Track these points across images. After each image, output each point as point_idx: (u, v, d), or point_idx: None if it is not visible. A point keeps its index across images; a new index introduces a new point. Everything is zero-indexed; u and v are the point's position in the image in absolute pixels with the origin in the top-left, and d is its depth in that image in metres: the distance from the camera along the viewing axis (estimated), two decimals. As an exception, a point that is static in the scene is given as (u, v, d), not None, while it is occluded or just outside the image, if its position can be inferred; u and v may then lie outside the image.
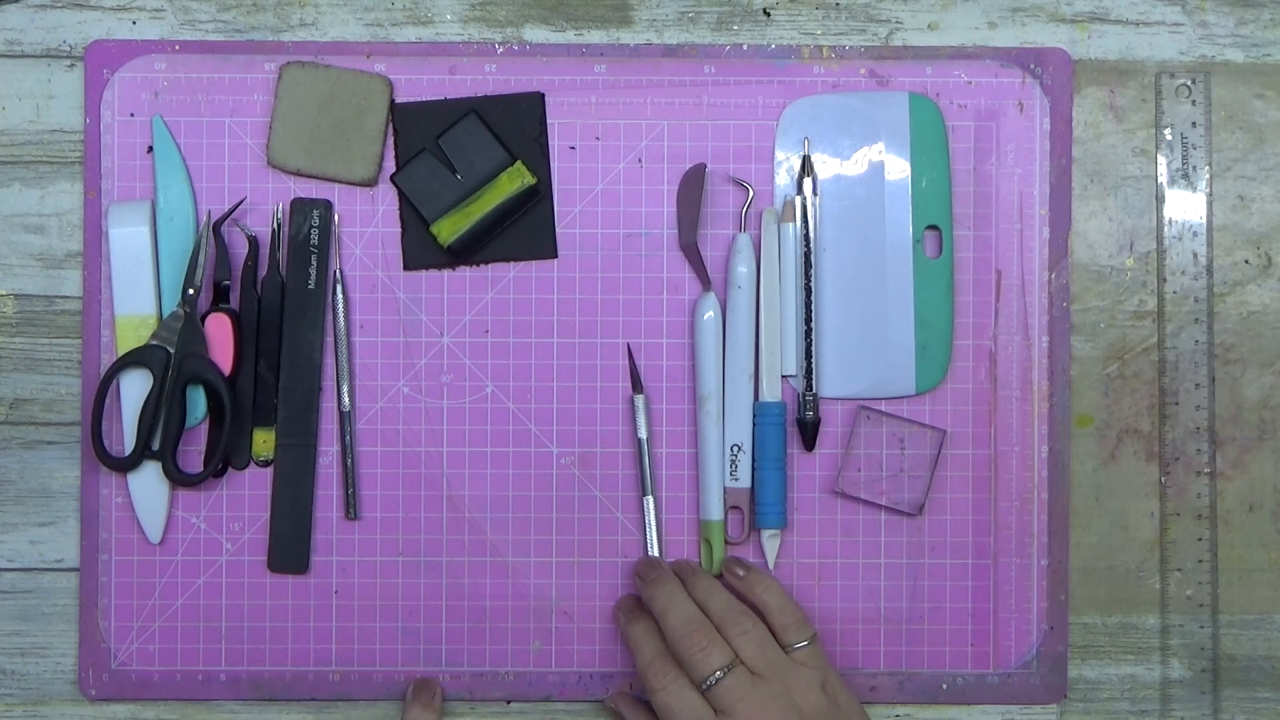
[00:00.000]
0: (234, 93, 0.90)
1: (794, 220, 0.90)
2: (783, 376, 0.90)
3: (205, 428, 0.90)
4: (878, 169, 0.91)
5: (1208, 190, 0.92)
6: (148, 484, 0.89)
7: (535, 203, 0.90)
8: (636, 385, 0.90)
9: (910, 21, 0.92)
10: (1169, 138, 0.92)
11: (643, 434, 0.90)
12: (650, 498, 0.90)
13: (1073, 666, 0.92)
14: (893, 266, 0.91)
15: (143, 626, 0.90)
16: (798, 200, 0.90)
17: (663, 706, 0.82)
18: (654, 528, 0.90)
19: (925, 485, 0.90)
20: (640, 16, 0.92)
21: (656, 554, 0.90)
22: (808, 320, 0.90)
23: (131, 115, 0.90)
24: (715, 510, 0.90)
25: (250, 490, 0.90)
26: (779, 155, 0.91)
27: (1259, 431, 0.92)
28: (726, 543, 0.90)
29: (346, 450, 0.90)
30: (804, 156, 0.91)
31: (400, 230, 0.91)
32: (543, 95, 0.91)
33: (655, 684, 0.83)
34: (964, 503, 0.91)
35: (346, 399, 0.90)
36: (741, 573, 0.87)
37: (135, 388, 0.89)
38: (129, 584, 0.90)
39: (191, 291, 0.88)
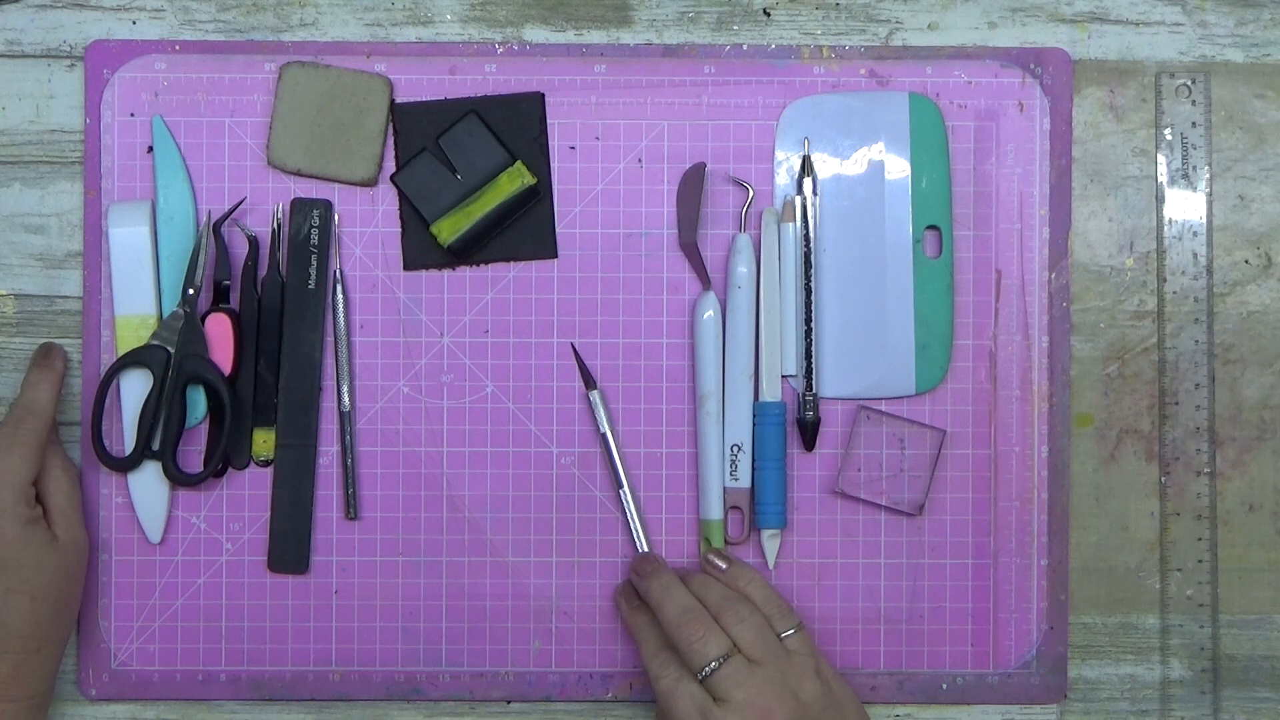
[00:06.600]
0: (234, 93, 0.90)
1: (794, 220, 0.90)
2: (783, 376, 0.90)
3: (205, 428, 0.90)
4: (878, 169, 0.91)
5: (1208, 190, 0.92)
6: (148, 484, 0.89)
7: (535, 203, 0.90)
8: (589, 382, 0.90)
9: (910, 21, 0.92)
10: (1169, 138, 0.92)
11: (604, 429, 0.89)
12: (626, 490, 0.90)
13: (1073, 666, 0.92)
14: (893, 266, 0.90)
15: (143, 626, 0.90)
16: (798, 200, 0.90)
17: (664, 695, 0.83)
18: (635, 518, 0.90)
19: (925, 485, 0.90)
20: (640, 16, 0.92)
21: (643, 545, 0.90)
22: (808, 320, 0.90)
23: (131, 115, 0.90)
24: (715, 510, 0.90)
25: (250, 490, 0.90)
26: (779, 155, 0.91)
27: (1259, 431, 0.92)
28: (726, 542, 0.90)
29: (346, 450, 0.90)
30: (804, 156, 0.91)
31: (400, 230, 0.91)
32: (543, 95, 0.91)
33: (657, 673, 0.83)
34: (964, 503, 0.91)
35: (346, 399, 0.90)
36: (723, 565, 0.87)
37: (135, 388, 0.89)
38: (129, 584, 0.90)
39: (191, 291, 0.88)
